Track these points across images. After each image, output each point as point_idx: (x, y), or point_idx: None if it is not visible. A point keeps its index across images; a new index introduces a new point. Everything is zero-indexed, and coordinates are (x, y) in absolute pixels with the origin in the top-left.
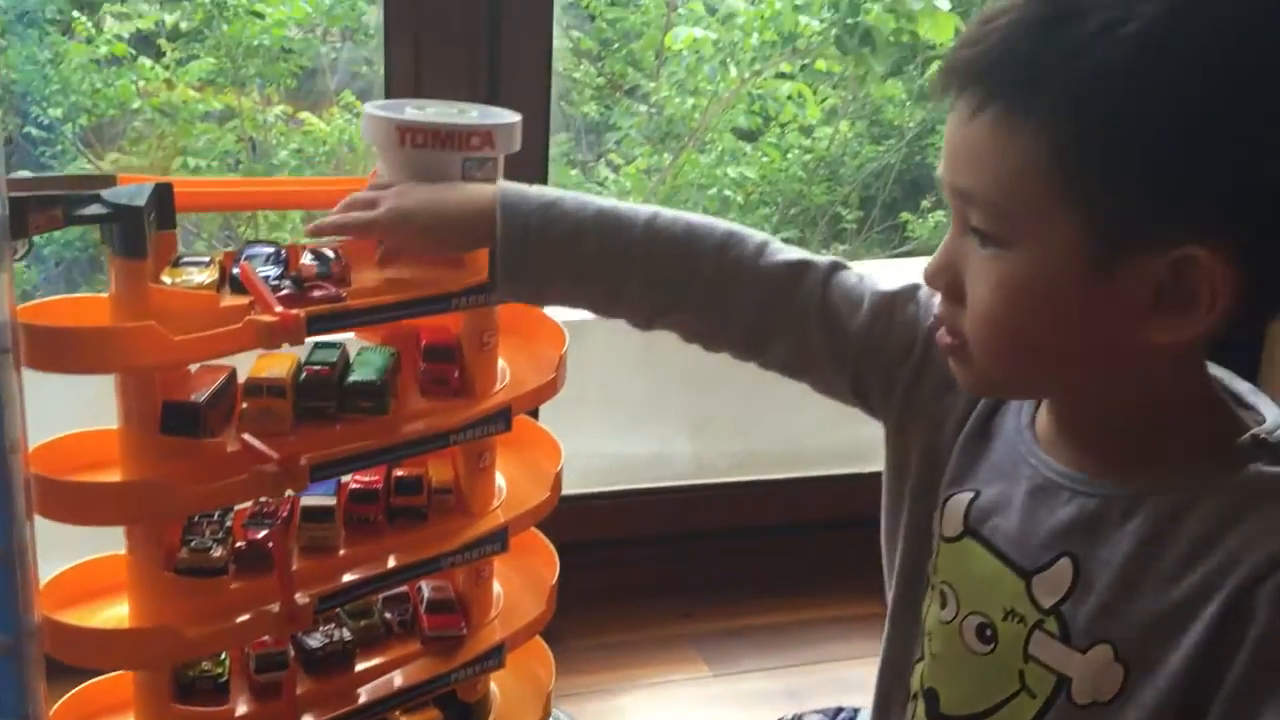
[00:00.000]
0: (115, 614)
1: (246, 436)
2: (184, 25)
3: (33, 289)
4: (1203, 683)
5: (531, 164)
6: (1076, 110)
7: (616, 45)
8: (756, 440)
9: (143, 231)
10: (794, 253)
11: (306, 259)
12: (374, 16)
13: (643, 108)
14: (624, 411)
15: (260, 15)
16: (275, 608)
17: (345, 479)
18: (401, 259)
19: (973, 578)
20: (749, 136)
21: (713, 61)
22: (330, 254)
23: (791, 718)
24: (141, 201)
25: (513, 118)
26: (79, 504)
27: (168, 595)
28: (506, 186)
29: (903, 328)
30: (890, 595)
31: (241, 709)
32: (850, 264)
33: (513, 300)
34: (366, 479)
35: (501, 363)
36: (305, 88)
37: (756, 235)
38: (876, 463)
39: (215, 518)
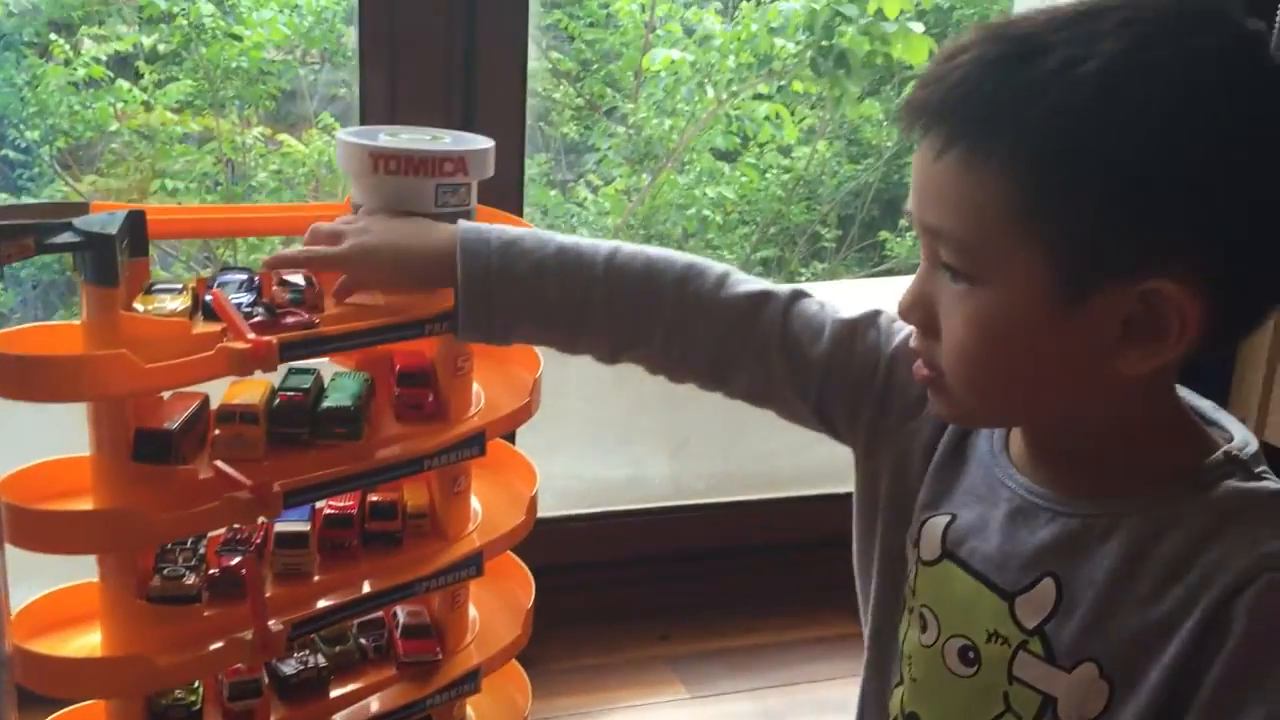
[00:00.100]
0: (88, 643)
1: (219, 463)
2: (162, 48)
3: (9, 312)
4: (1180, 695)
5: (508, 187)
6: (1038, 150)
7: (596, 66)
8: (734, 461)
9: (114, 260)
10: (754, 283)
11: (279, 286)
12: (353, 38)
13: (621, 129)
14: (602, 433)
15: (238, 38)
16: (248, 635)
17: (320, 504)
18: (358, 292)
19: (953, 600)
20: (727, 157)
21: (690, 83)
22: (303, 280)
23: None
24: (113, 230)
25: (485, 144)
26: (50, 533)
27: (140, 623)
28: (466, 227)
29: (864, 354)
30: (866, 621)
31: None
32: (811, 292)
33: (476, 340)
34: (341, 504)
35: (476, 387)
36: (284, 110)
37: (717, 267)
38: (853, 483)
39: (188, 545)
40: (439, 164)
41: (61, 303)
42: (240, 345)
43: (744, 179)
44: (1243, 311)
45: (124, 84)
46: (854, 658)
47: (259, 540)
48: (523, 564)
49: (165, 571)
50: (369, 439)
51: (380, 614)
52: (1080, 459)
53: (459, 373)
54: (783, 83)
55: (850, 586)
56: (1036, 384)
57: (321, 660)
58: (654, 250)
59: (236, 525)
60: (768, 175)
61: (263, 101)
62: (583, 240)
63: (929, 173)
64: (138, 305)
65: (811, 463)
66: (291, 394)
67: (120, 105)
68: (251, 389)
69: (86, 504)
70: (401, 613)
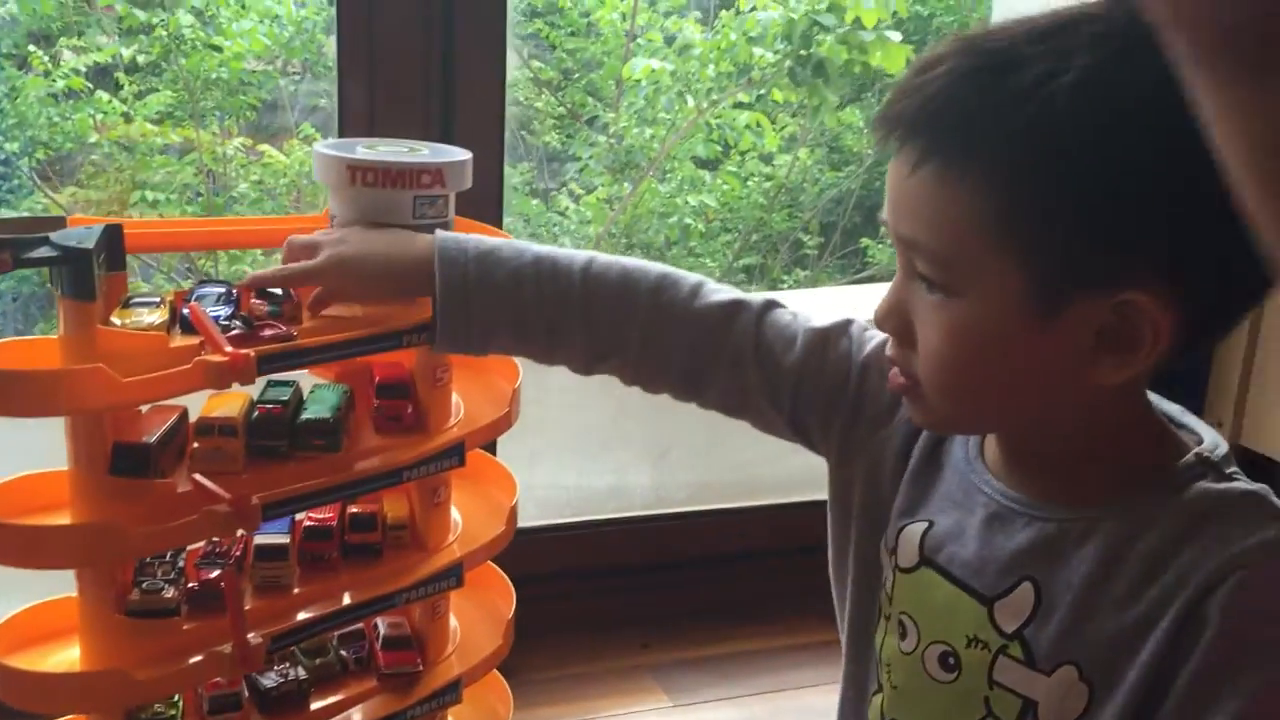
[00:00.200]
0: (66, 657)
1: (198, 476)
2: (141, 59)
3: None
4: (1157, 694)
5: (487, 198)
6: (1012, 164)
7: (577, 75)
8: (715, 470)
9: (91, 274)
10: (727, 293)
11: (257, 299)
12: (334, 47)
13: (603, 138)
14: (583, 443)
15: (218, 48)
16: (228, 648)
17: (300, 516)
18: (334, 303)
19: (933, 607)
20: (709, 165)
21: (670, 92)
22: (281, 293)
23: None
24: (90, 244)
25: (463, 155)
26: (28, 547)
27: (119, 637)
28: (444, 236)
29: (836, 362)
30: (843, 629)
31: None
32: (784, 302)
33: (453, 351)
34: (321, 516)
35: (455, 397)
36: (265, 120)
37: (691, 277)
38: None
39: (167, 558)
40: (416, 176)
41: (42, 315)
42: (218, 358)
43: (725, 187)
44: (1215, 321)
45: (103, 95)
46: (835, 664)
47: (238, 553)
48: (503, 574)
49: (144, 585)
50: (348, 451)
51: (361, 626)
52: (1054, 463)
53: (438, 384)
54: (762, 91)
55: (830, 593)
56: (1011, 392)
57: (302, 673)
58: (629, 260)
59: (216, 538)
60: (749, 183)
61: (243, 112)
62: (559, 250)
63: (904, 186)
64: (115, 319)
65: (791, 471)
66: (270, 406)
67: (100, 117)
68: (230, 402)
69: (64, 518)
70: (382, 624)
